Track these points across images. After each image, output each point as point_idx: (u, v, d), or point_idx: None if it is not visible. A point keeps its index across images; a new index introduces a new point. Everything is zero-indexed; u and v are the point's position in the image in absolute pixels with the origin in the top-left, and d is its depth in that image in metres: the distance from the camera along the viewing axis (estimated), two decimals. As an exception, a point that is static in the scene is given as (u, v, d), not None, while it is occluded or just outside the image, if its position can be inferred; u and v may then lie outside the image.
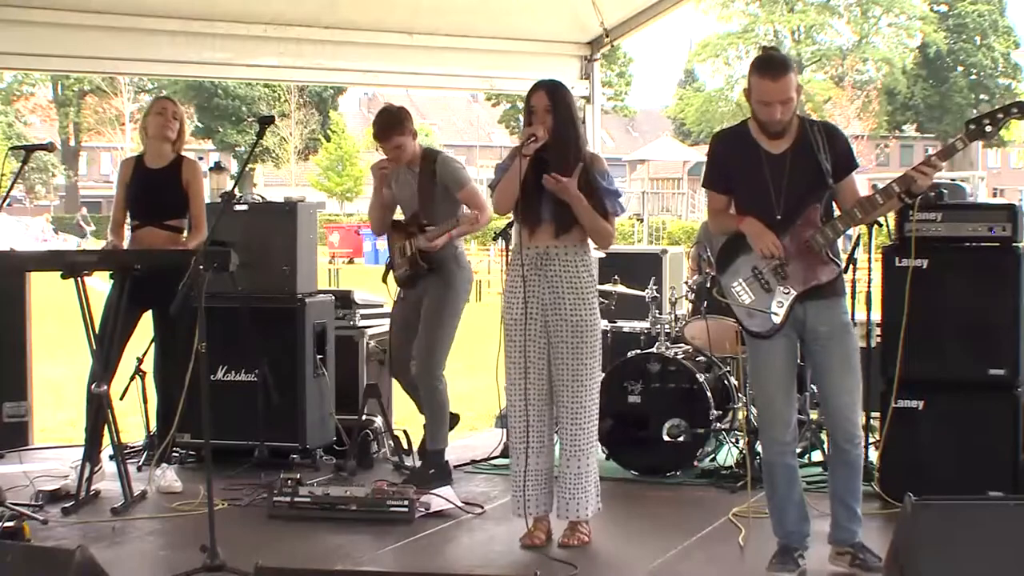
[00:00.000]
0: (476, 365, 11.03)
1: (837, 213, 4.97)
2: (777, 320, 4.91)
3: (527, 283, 5.43)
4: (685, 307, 7.64)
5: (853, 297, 6.06)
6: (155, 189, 6.71)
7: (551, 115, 5.33)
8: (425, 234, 6.60)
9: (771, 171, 4.89)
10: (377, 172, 6.60)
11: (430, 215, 6.63)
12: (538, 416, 5.49)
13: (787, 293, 4.90)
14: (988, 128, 4.74)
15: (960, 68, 59.63)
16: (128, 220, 6.84)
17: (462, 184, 6.68)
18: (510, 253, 5.60)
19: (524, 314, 5.42)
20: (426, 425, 6.89)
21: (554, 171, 5.29)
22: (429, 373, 6.68)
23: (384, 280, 7.02)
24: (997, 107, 4.84)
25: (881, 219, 5.51)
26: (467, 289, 6.85)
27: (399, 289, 6.89)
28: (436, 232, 6.55)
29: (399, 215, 6.93)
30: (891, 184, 4.82)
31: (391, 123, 6.62)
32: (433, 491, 6.25)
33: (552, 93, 5.37)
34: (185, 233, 6.76)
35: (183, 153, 6.88)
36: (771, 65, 4.82)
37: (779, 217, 4.88)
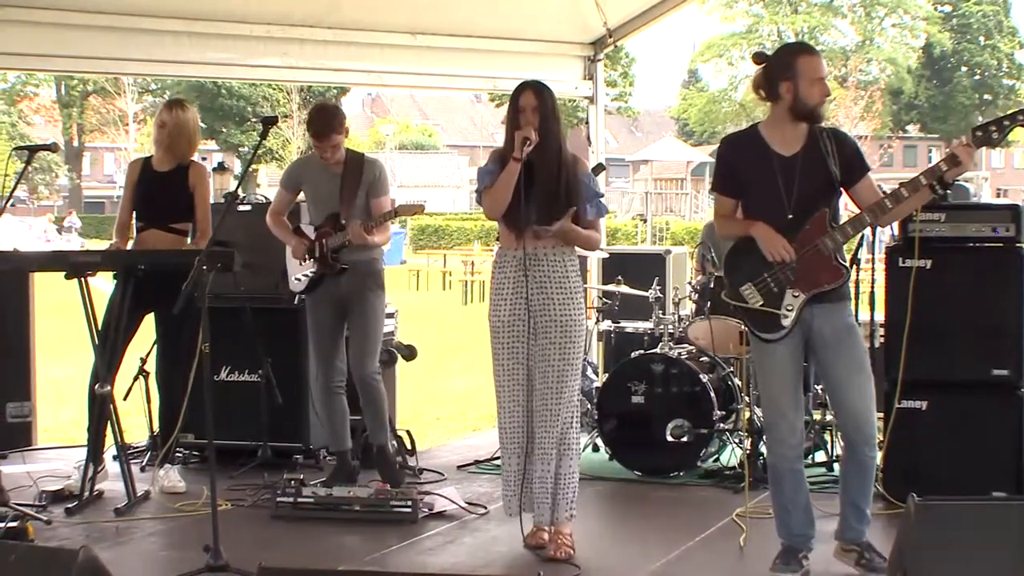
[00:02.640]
0: (477, 365, 11.06)
1: (844, 217, 4.98)
2: (787, 323, 4.90)
3: (514, 285, 5.43)
4: (689, 307, 7.63)
5: (857, 298, 6.04)
6: (161, 192, 6.69)
7: (538, 116, 5.33)
8: (342, 232, 6.48)
9: (783, 173, 4.88)
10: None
11: (349, 216, 6.51)
12: (526, 418, 5.43)
13: (796, 296, 4.89)
14: (994, 135, 4.74)
15: (964, 68, 59.61)
16: (133, 221, 6.83)
17: (385, 191, 6.63)
18: (498, 255, 5.55)
19: (516, 316, 5.41)
20: (369, 423, 6.78)
21: (539, 172, 5.32)
22: (369, 371, 6.64)
23: (279, 287, 6.91)
24: (1003, 114, 4.84)
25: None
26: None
27: (301, 295, 6.79)
28: (358, 227, 6.41)
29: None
30: (918, 177, 4.80)
31: (331, 123, 6.48)
32: (437, 492, 6.25)
33: (539, 94, 5.37)
34: (189, 238, 6.73)
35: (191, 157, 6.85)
36: (811, 45, 5.06)
37: (790, 217, 4.87)
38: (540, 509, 5.43)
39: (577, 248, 5.56)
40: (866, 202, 4.92)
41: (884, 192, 4.96)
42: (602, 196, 5.58)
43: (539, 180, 5.34)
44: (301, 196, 6.78)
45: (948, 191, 4.87)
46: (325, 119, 6.49)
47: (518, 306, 5.43)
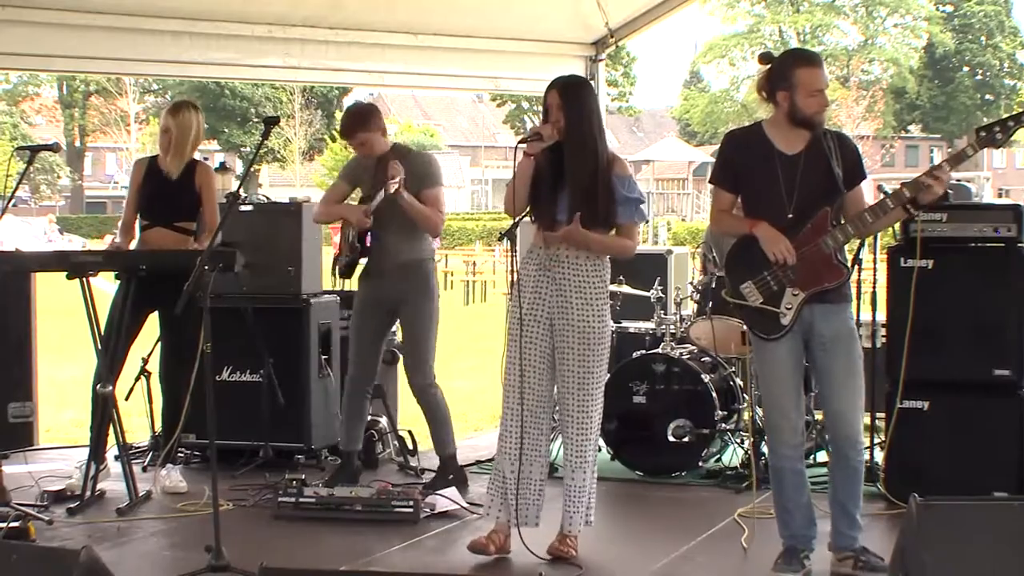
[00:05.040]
0: (479, 365, 11.01)
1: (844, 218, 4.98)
2: (786, 322, 4.90)
3: (536, 284, 5.28)
4: (690, 307, 7.63)
5: (858, 297, 6.05)
6: (167, 191, 6.69)
7: (564, 113, 5.16)
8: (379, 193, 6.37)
9: (784, 172, 4.89)
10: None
11: (390, 208, 6.46)
12: (535, 423, 5.31)
13: (796, 295, 4.89)
14: (998, 136, 4.76)
15: (966, 68, 59.61)
16: (138, 220, 6.83)
17: (433, 182, 6.47)
18: (526, 252, 5.38)
19: (531, 316, 5.26)
20: (431, 433, 6.78)
21: (569, 171, 5.16)
22: (425, 379, 6.60)
23: (333, 273, 6.94)
24: (1007, 115, 4.85)
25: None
26: (437, 289, 6.73)
27: (361, 289, 6.75)
28: (372, 203, 6.35)
29: None
30: (901, 189, 4.82)
31: (354, 121, 6.53)
32: (438, 491, 6.25)
33: (565, 90, 5.21)
34: (193, 238, 6.72)
35: (195, 156, 6.85)
36: (813, 55, 5.03)
37: (790, 216, 4.88)
38: (565, 516, 5.32)
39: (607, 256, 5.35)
40: (853, 210, 4.93)
41: (886, 193, 4.96)
42: (641, 200, 5.32)
43: (569, 179, 5.18)
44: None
45: (919, 212, 4.89)
46: (346, 121, 6.60)
47: (536, 306, 5.28)
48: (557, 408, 5.50)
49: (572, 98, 5.20)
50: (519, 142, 5.17)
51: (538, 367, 5.31)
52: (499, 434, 5.43)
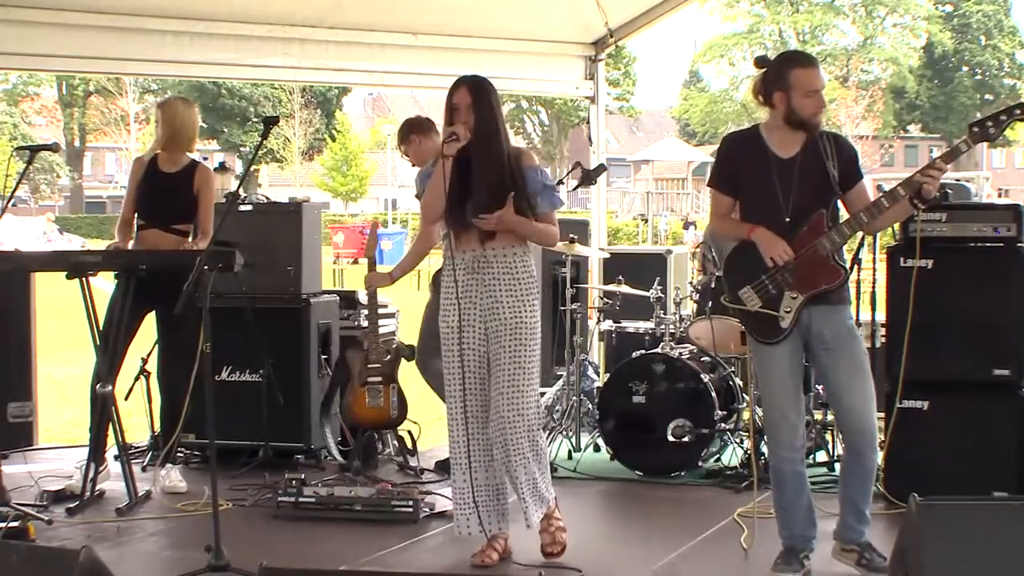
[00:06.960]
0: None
1: (844, 218, 4.98)
2: (785, 325, 4.90)
3: (463, 289, 5.18)
4: (690, 307, 7.64)
5: (858, 297, 6.05)
6: (166, 192, 6.69)
7: (473, 113, 5.12)
8: None
9: (780, 176, 4.88)
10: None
11: None
12: (481, 429, 5.20)
13: (794, 298, 4.89)
14: (991, 130, 4.73)
15: (965, 68, 59.60)
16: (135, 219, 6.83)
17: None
18: (447, 260, 5.27)
19: (466, 322, 5.15)
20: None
21: (479, 169, 5.10)
22: (427, 371, 6.61)
23: None
24: (1000, 109, 4.83)
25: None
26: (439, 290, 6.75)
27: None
28: None
29: None
30: (896, 188, 4.81)
31: (398, 135, 6.98)
32: (438, 491, 6.25)
33: (474, 89, 5.17)
34: (190, 238, 6.72)
35: (196, 158, 6.84)
36: (809, 56, 5.01)
37: (788, 220, 4.87)
38: (527, 514, 5.22)
39: (530, 249, 5.27)
40: (856, 209, 4.92)
41: (884, 193, 4.96)
42: (555, 188, 5.28)
43: (479, 177, 5.10)
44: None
45: (926, 204, 4.88)
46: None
47: (468, 311, 5.17)
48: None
49: (481, 97, 5.18)
50: (444, 151, 5.09)
51: (477, 373, 5.22)
52: (449, 448, 5.31)
